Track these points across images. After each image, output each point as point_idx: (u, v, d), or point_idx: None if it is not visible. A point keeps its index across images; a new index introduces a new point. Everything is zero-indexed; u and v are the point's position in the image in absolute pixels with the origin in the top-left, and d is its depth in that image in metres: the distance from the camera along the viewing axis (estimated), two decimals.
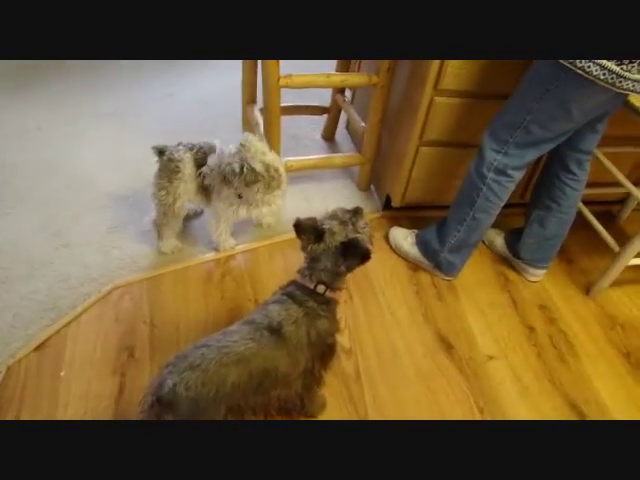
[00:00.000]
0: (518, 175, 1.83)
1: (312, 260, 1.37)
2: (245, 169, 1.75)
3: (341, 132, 2.79)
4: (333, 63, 2.41)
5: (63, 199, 2.24)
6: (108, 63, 3.10)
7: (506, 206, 1.97)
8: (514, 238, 2.17)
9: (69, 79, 2.96)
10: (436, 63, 1.82)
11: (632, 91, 1.51)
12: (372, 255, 1.36)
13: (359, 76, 2.28)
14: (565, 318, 2.08)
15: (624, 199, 2.51)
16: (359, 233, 1.35)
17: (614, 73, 1.45)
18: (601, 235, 2.11)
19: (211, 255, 2.10)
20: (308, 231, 1.35)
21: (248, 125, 2.49)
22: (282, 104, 2.08)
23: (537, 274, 2.17)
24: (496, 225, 2.12)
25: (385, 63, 2.05)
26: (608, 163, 2.05)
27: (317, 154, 2.44)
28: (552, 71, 1.55)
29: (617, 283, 2.14)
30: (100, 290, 1.90)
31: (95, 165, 2.42)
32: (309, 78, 2.04)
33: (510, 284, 2.17)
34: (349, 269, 1.37)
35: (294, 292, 1.37)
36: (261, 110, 2.26)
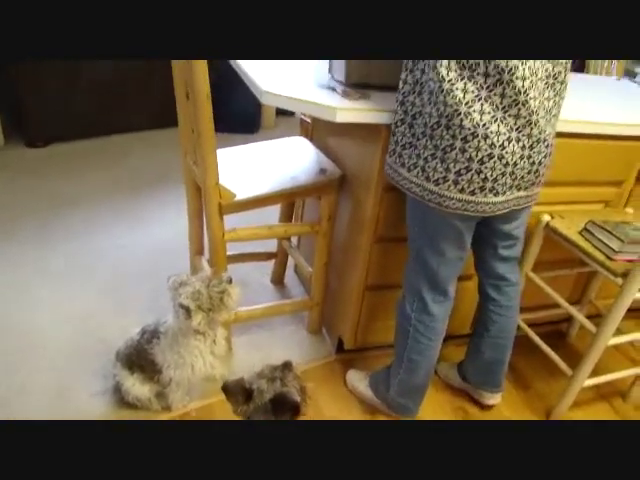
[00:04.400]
0: (440, 311, 1.79)
1: None
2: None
3: (290, 275, 2.83)
4: (277, 211, 2.49)
5: (9, 364, 2.15)
6: (57, 220, 3.13)
7: (457, 337, 1.97)
8: (464, 366, 2.15)
9: (16, 238, 2.96)
10: (374, 212, 1.89)
11: (463, 210, 1.52)
12: (304, 407, 1.34)
13: (301, 226, 2.36)
14: None
15: (570, 317, 2.57)
16: (287, 387, 1.33)
17: (435, 193, 1.50)
18: (552, 359, 2.13)
19: (164, 415, 2.01)
20: (236, 393, 1.33)
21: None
22: (228, 252, 2.11)
23: (493, 397, 2.13)
24: (449, 358, 2.13)
25: (326, 212, 2.12)
26: (547, 287, 2.12)
27: (267, 299, 2.45)
28: (414, 206, 1.63)
29: (576, 404, 2.14)
30: None
31: (44, 325, 2.36)
32: (253, 231, 2.09)
33: (470, 418, 2.14)
34: None
35: None
36: (209, 261, 2.28)
